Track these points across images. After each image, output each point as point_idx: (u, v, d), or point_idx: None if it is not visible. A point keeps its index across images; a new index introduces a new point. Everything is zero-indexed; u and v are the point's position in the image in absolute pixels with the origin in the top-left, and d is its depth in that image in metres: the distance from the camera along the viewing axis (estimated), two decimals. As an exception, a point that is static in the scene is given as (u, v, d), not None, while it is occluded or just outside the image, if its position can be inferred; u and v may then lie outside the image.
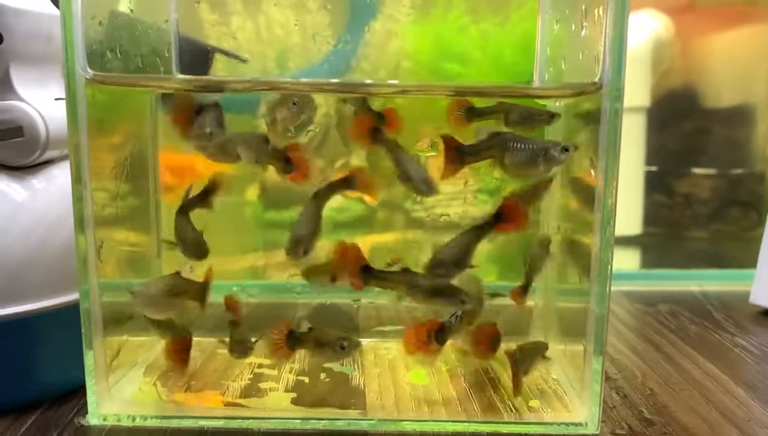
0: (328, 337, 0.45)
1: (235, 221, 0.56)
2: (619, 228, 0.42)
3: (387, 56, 0.54)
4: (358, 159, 0.57)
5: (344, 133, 0.51)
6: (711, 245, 0.91)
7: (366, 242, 0.54)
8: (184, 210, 0.47)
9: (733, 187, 0.91)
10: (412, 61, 0.54)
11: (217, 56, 0.54)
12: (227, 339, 0.48)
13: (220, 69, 0.54)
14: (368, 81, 0.54)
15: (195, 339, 0.52)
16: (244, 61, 0.54)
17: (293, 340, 0.45)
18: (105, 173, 0.45)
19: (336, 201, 0.53)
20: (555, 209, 0.52)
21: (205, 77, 0.53)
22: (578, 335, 0.45)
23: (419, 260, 0.55)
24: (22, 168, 0.46)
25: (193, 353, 0.49)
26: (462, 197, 0.53)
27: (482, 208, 0.53)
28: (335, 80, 0.53)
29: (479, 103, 0.47)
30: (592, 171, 0.43)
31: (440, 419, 0.44)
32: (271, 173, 0.53)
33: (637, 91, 0.87)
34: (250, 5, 0.53)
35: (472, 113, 0.46)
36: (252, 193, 0.55)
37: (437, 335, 0.46)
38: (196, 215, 0.48)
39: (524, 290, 0.48)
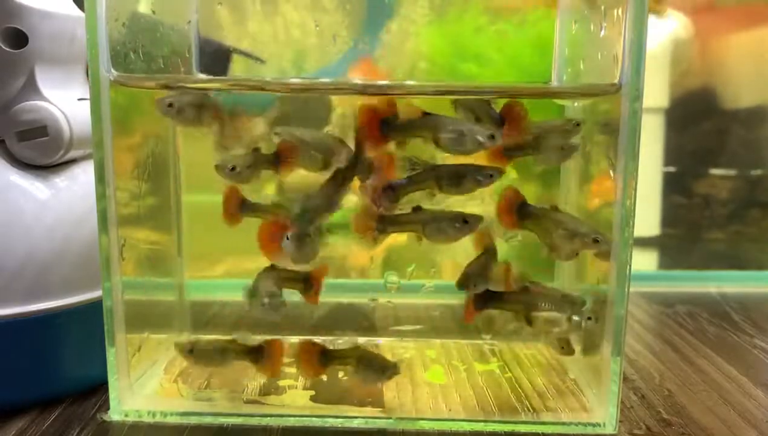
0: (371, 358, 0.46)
1: (252, 221, 0.56)
2: (637, 229, 0.42)
3: (404, 57, 0.54)
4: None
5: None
6: (730, 247, 0.90)
7: (381, 242, 0.54)
8: None
9: (752, 188, 0.90)
10: (429, 62, 0.54)
11: (235, 57, 0.54)
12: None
13: (238, 70, 0.54)
14: (383, 82, 0.54)
15: (213, 337, 0.53)
16: (262, 62, 0.54)
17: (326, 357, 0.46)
18: (127, 173, 0.46)
19: (350, 201, 0.53)
20: (572, 210, 0.52)
21: (224, 78, 0.54)
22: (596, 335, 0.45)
23: (435, 260, 0.55)
24: (46, 167, 0.47)
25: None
26: (479, 197, 0.53)
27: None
28: (357, 81, 0.53)
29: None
30: (611, 172, 0.43)
31: (458, 418, 0.44)
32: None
33: (655, 92, 0.86)
34: (268, 6, 0.53)
35: (389, 128, 0.44)
36: (269, 192, 0.56)
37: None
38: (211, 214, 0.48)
39: None
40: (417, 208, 0.46)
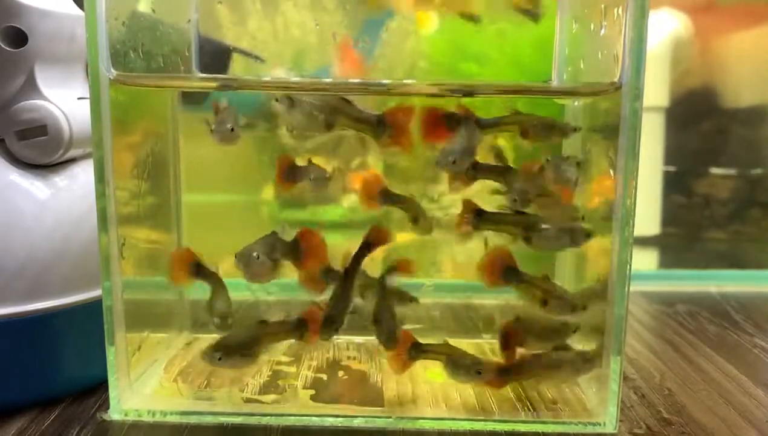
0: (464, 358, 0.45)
1: (252, 220, 0.56)
2: (637, 228, 0.42)
3: (403, 56, 0.54)
4: (373, 159, 0.57)
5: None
6: (730, 246, 0.90)
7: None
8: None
9: (752, 187, 0.90)
10: (429, 61, 0.54)
11: (235, 56, 0.54)
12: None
13: (238, 69, 0.54)
14: (384, 81, 0.54)
15: (213, 336, 0.53)
16: (262, 61, 0.54)
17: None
18: (127, 172, 0.46)
19: (350, 200, 0.53)
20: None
21: (223, 76, 0.54)
22: (596, 334, 0.44)
23: (435, 260, 0.55)
24: (46, 166, 0.47)
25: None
26: (478, 196, 0.53)
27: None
28: (355, 80, 0.53)
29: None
30: (611, 171, 0.43)
31: (458, 417, 0.44)
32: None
33: (655, 91, 0.86)
34: (268, 5, 0.53)
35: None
36: (268, 192, 0.56)
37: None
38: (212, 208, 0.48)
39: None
40: (520, 212, 0.45)
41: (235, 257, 0.44)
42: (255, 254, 0.43)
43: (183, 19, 0.51)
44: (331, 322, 0.45)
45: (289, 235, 0.45)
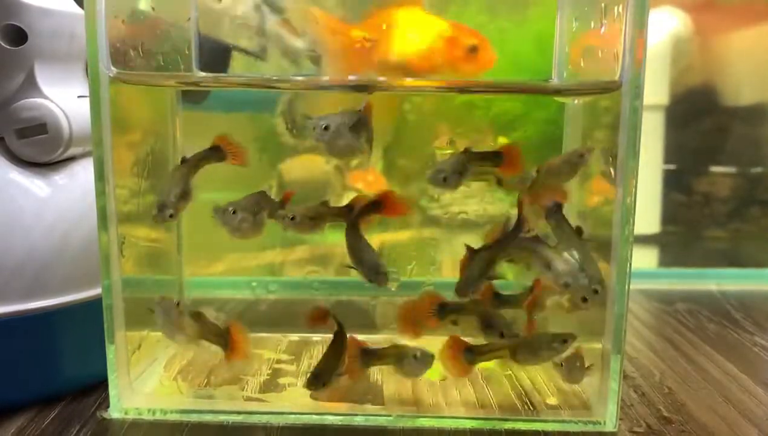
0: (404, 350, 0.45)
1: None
2: (637, 227, 0.42)
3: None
4: (373, 157, 0.57)
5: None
6: (730, 244, 0.90)
7: (381, 241, 0.54)
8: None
9: (752, 185, 0.90)
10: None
11: (235, 54, 0.54)
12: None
13: (238, 67, 0.54)
14: (383, 79, 0.54)
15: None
16: (262, 59, 0.54)
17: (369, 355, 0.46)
18: (127, 170, 0.46)
19: (350, 199, 0.53)
20: (572, 208, 0.52)
21: (224, 75, 0.54)
22: (596, 333, 0.44)
23: (435, 258, 0.55)
24: (46, 165, 0.47)
25: (213, 348, 0.50)
26: (479, 195, 0.53)
27: (499, 207, 0.53)
28: (352, 77, 0.53)
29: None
30: (611, 169, 0.43)
31: (458, 415, 0.44)
32: (287, 170, 0.53)
33: (655, 89, 0.86)
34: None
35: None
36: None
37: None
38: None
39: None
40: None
41: (213, 211, 0.43)
42: (230, 209, 0.43)
43: (183, 18, 0.51)
44: (317, 378, 0.45)
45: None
